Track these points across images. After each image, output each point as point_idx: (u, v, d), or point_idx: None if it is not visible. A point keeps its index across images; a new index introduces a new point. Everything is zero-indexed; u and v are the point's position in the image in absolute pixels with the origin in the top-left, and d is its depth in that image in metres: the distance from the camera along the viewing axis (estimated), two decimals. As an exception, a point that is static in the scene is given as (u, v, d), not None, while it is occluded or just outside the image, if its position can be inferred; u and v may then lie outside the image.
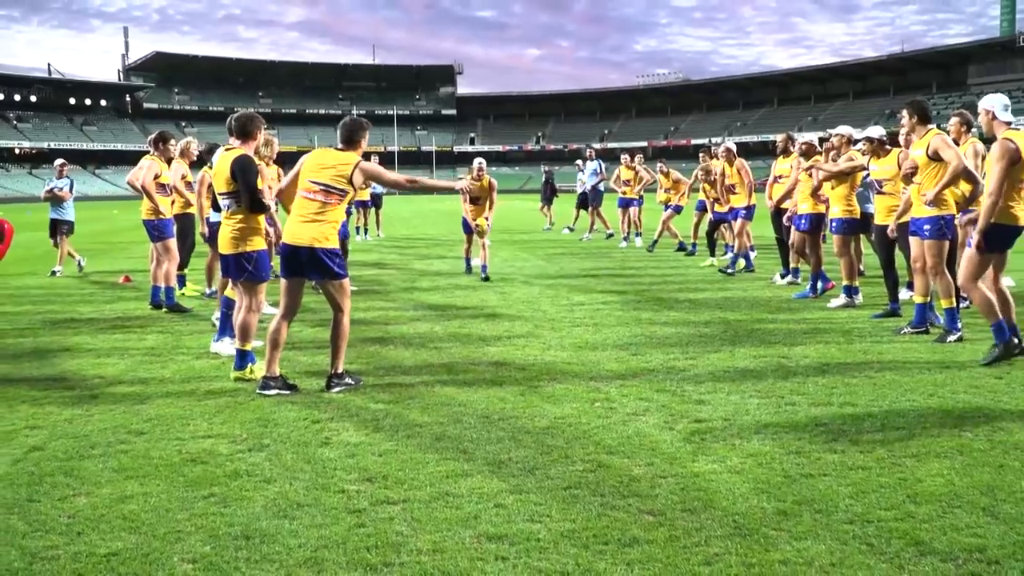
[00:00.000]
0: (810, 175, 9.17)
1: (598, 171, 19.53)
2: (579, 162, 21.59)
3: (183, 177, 9.49)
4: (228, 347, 6.40)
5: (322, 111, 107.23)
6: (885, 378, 5.67)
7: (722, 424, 4.63)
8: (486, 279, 11.20)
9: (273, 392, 5.30)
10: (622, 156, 17.61)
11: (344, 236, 9.69)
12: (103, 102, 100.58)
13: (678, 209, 15.44)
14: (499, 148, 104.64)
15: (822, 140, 9.75)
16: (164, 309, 8.69)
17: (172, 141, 9.20)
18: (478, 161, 11.70)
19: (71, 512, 3.42)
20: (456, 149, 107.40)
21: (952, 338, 6.79)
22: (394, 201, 47.62)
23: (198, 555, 3.02)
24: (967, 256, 6.07)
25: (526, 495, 3.60)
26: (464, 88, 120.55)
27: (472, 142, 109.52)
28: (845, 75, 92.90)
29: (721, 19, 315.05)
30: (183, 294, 9.91)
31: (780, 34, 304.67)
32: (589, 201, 19.43)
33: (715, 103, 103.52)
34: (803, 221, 9.41)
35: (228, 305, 6.47)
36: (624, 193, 17.08)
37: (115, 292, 10.49)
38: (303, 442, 4.36)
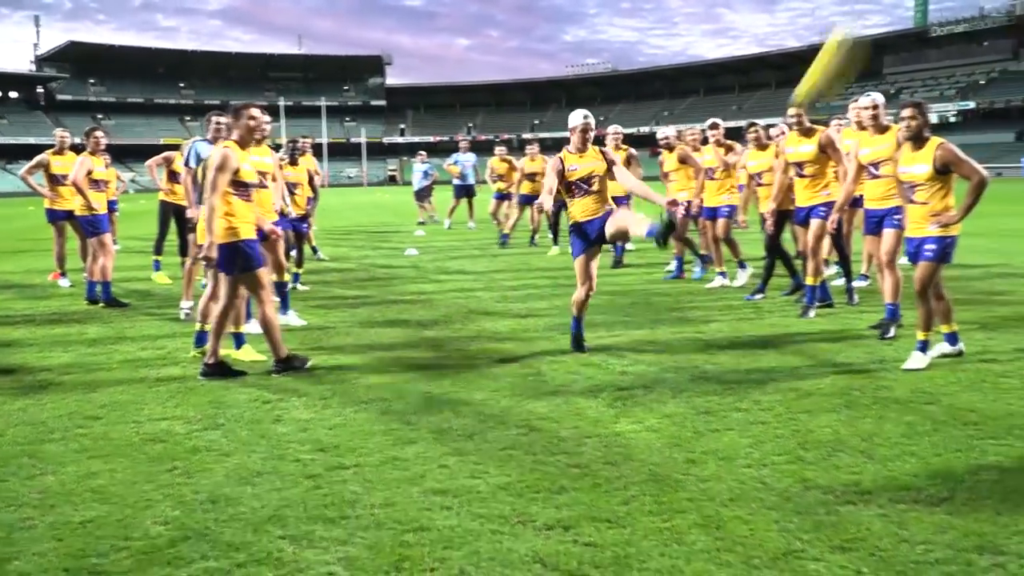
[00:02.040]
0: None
1: (429, 173, 21.24)
2: (422, 153, 22.46)
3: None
4: (294, 319, 7.62)
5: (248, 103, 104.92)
6: (789, 348, 6.25)
7: (642, 392, 5.11)
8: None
9: (214, 377, 5.54)
10: (496, 149, 16.81)
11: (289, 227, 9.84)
12: (13, 94, 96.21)
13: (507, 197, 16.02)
14: (430, 139, 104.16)
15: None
16: (101, 304, 8.76)
17: (98, 133, 9.25)
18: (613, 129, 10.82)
19: (41, 488, 3.66)
20: (386, 140, 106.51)
21: (812, 313, 7.42)
22: (326, 194, 47.14)
23: (169, 518, 3.32)
24: (887, 236, 6.64)
25: (466, 456, 4.00)
26: (393, 79, 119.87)
27: (402, 133, 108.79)
28: (769, 65, 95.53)
29: (648, 9, 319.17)
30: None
31: (706, 24, 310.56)
32: (423, 196, 21.40)
33: (643, 93, 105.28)
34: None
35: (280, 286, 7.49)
36: (499, 189, 16.30)
37: (47, 289, 10.43)
38: (256, 420, 4.65)
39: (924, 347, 5.64)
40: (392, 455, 4.04)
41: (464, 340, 6.79)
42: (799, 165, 7.66)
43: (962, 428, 4.26)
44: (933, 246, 5.53)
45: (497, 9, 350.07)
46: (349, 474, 3.79)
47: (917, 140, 5.61)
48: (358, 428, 4.48)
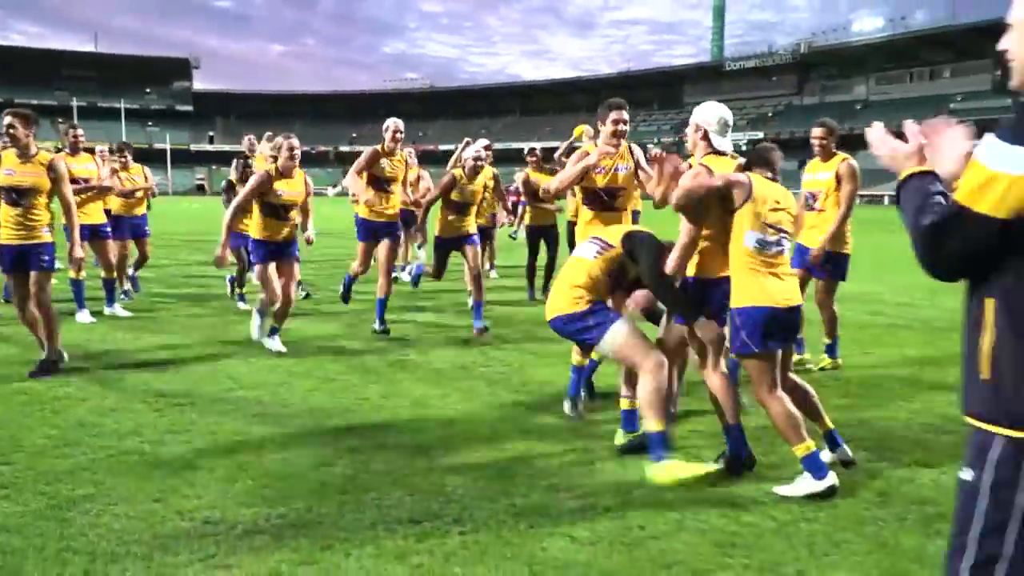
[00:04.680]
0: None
1: None
2: None
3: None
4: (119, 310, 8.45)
5: (35, 102, 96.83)
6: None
7: (426, 345, 6.69)
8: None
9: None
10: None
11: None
12: None
13: None
14: (241, 148, 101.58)
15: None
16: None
17: None
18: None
19: (-68, 424, 4.63)
20: (193, 148, 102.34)
21: None
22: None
23: (49, 435, 4.47)
24: None
25: (275, 401, 5.37)
26: (201, 83, 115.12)
27: (211, 141, 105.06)
28: (582, 89, 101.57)
29: (468, 27, 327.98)
30: None
31: (525, 45, 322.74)
32: None
33: (462, 110, 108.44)
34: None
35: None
36: None
37: None
38: (103, 380, 5.75)
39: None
40: (221, 396, 5.34)
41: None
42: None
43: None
44: None
45: (314, 16, 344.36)
46: (187, 407, 5.07)
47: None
48: (194, 381, 5.72)
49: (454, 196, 7.73)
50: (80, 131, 8.45)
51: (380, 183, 7.56)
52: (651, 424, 3.93)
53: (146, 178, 9.43)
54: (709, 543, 3.28)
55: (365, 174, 7.53)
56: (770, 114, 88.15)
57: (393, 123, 7.59)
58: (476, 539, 3.28)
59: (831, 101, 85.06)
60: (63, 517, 3.42)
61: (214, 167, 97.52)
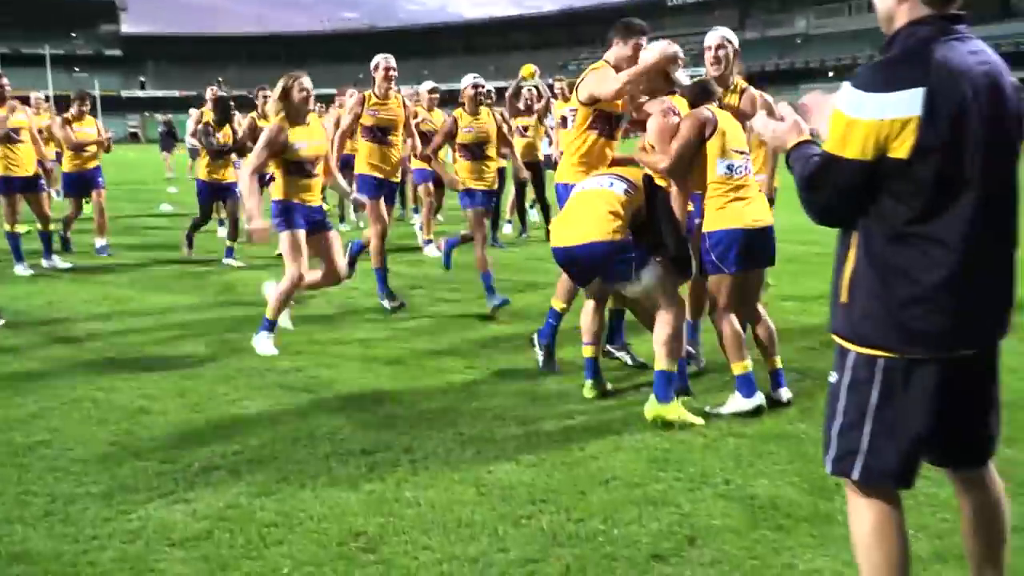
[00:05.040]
0: None
1: None
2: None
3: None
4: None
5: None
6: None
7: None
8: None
9: None
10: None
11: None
12: None
13: None
14: (175, 93, 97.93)
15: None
16: None
17: None
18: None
19: None
20: (124, 94, 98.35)
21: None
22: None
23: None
24: None
25: (224, 347, 5.45)
26: (130, 26, 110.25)
27: (143, 87, 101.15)
28: (524, 27, 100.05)
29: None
30: None
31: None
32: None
33: (403, 51, 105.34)
34: None
35: None
36: None
37: None
38: (49, 330, 5.77)
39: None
40: (168, 344, 5.40)
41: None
42: None
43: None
44: None
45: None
46: (136, 355, 5.13)
47: None
48: (136, 325, 5.75)
49: (462, 139, 6.56)
50: (5, 80, 8.20)
51: (376, 133, 6.49)
52: (663, 363, 3.92)
53: (99, 131, 9.31)
54: (644, 460, 3.53)
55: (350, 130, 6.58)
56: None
57: (384, 60, 6.55)
58: (426, 466, 3.46)
59: (772, 35, 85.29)
60: (20, 463, 3.49)
61: (147, 114, 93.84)
